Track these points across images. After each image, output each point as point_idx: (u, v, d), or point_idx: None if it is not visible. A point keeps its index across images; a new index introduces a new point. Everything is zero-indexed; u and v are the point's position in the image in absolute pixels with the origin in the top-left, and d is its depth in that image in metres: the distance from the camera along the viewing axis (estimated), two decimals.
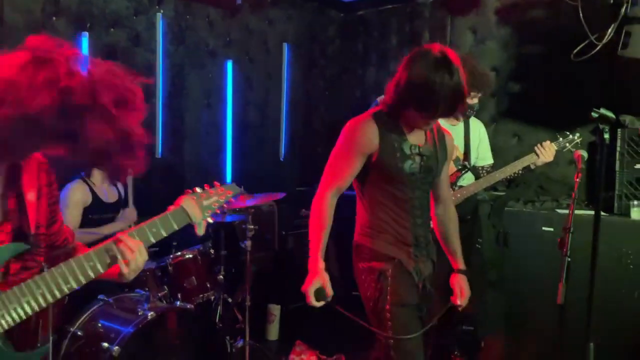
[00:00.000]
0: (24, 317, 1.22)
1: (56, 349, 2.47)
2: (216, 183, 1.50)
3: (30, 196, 1.31)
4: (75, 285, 1.28)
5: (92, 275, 1.31)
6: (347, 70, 5.32)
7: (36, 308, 1.23)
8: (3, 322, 1.20)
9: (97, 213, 3.13)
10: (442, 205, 2.24)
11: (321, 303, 1.83)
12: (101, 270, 1.32)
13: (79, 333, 2.54)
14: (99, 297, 2.67)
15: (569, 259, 1.99)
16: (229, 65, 4.45)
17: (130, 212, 3.24)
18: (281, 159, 4.97)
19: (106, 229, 3.04)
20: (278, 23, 4.81)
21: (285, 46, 4.86)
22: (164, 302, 2.88)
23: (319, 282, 1.82)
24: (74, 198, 3.02)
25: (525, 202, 3.78)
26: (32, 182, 1.33)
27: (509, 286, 3.61)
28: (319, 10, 5.14)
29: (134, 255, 1.33)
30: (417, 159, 1.99)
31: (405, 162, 1.97)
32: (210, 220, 1.44)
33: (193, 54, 4.22)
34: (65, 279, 1.27)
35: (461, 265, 2.20)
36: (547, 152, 2.95)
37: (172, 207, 1.39)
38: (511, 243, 3.56)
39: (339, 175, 1.95)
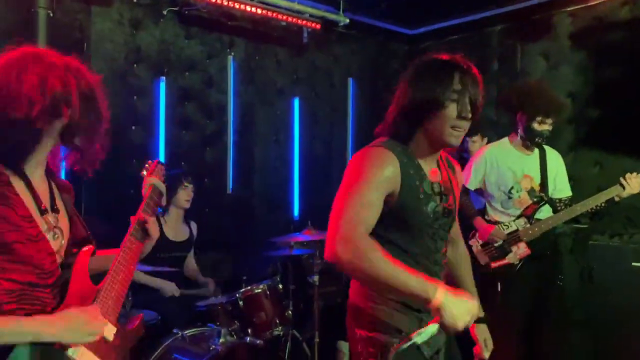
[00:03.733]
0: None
1: None
2: (149, 162, 1.84)
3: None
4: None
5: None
6: None
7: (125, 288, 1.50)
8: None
9: (165, 251, 3.24)
10: (451, 244, 1.85)
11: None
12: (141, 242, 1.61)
13: None
14: (173, 331, 2.74)
15: None
16: (296, 102, 4.57)
17: (171, 288, 3.26)
18: None
19: (156, 282, 3.19)
20: (343, 59, 4.89)
21: (350, 81, 4.93)
22: (235, 336, 2.91)
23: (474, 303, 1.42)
24: None
25: (611, 235, 3.53)
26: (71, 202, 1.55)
27: (596, 326, 3.35)
28: (383, 44, 5.19)
29: (156, 226, 1.63)
30: (438, 199, 1.64)
31: (429, 204, 1.61)
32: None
33: (262, 92, 4.37)
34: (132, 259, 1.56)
35: (481, 312, 1.78)
36: (633, 183, 2.76)
37: (147, 190, 1.71)
38: (597, 279, 3.31)
39: (368, 210, 1.50)
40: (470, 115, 1.56)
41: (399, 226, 1.60)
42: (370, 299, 1.62)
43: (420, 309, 1.58)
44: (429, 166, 1.66)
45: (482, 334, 1.82)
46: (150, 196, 1.67)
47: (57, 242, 1.39)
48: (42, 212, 1.36)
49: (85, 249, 1.47)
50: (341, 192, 1.55)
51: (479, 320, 1.79)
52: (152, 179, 1.72)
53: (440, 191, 1.65)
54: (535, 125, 2.91)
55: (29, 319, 1.26)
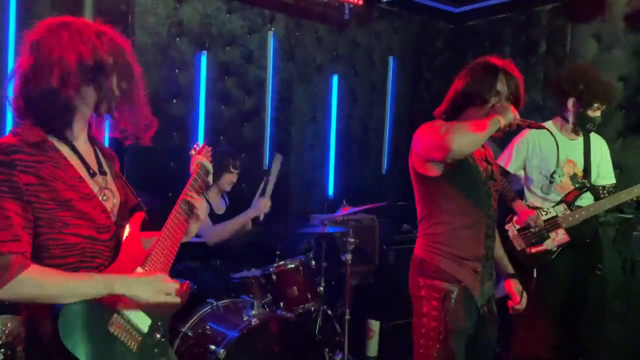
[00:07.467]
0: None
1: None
2: (197, 144, 1.88)
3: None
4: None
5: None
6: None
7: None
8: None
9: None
10: None
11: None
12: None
13: (189, 333, 2.69)
14: (208, 300, 2.82)
15: None
16: (335, 79, 4.53)
17: (264, 203, 3.32)
18: (383, 173, 4.93)
19: (240, 218, 3.25)
20: (385, 36, 4.80)
21: (391, 59, 4.85)
22: (267, 309, 2.97)
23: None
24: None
25: None
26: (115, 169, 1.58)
27: (637, 320, 3.24)
28: (426, 22, 5.06)
29: (203, 206, 1.66)
30: (485, 163, 2.07)
31: (479, 166, 2.02)
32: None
33: (301, 69, 4.35)
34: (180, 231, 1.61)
35: (512, 269, 2.23)
36: None
37: (195, 168, 1.73)
38: None
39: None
40: None
41: (458, 186, 1.97)
42: (435, 253, 1.98)
43: (479, 258, 1.97)
44: None
45: (516, 286, 2.16)
46: (198, 173, 1.72)
47: (109, 203, 1.45)
48: (92, 174, 1.42)
49: (137, 214, 1.54)
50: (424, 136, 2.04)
51: (511, 276, 2.19)
52: (200, 157, 1.78)
53: (486, 159, 2.07)
54: (590, 112, 2.82)
55: (101, 274, 1.35)
